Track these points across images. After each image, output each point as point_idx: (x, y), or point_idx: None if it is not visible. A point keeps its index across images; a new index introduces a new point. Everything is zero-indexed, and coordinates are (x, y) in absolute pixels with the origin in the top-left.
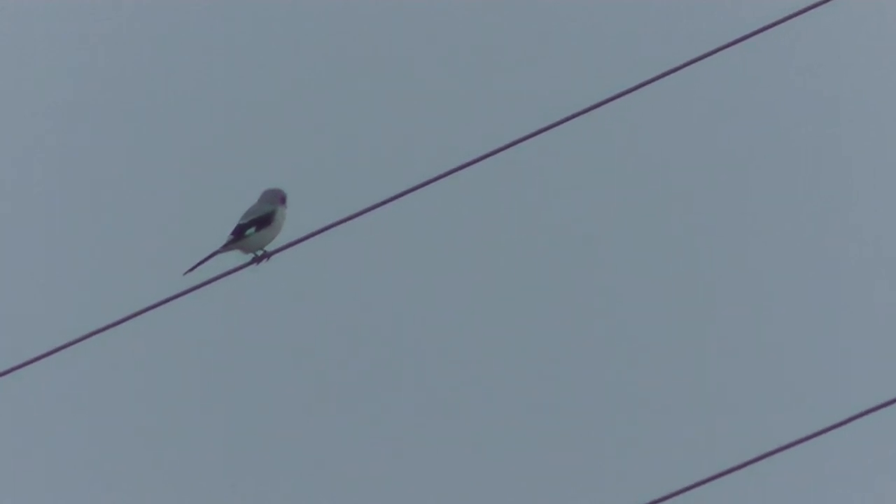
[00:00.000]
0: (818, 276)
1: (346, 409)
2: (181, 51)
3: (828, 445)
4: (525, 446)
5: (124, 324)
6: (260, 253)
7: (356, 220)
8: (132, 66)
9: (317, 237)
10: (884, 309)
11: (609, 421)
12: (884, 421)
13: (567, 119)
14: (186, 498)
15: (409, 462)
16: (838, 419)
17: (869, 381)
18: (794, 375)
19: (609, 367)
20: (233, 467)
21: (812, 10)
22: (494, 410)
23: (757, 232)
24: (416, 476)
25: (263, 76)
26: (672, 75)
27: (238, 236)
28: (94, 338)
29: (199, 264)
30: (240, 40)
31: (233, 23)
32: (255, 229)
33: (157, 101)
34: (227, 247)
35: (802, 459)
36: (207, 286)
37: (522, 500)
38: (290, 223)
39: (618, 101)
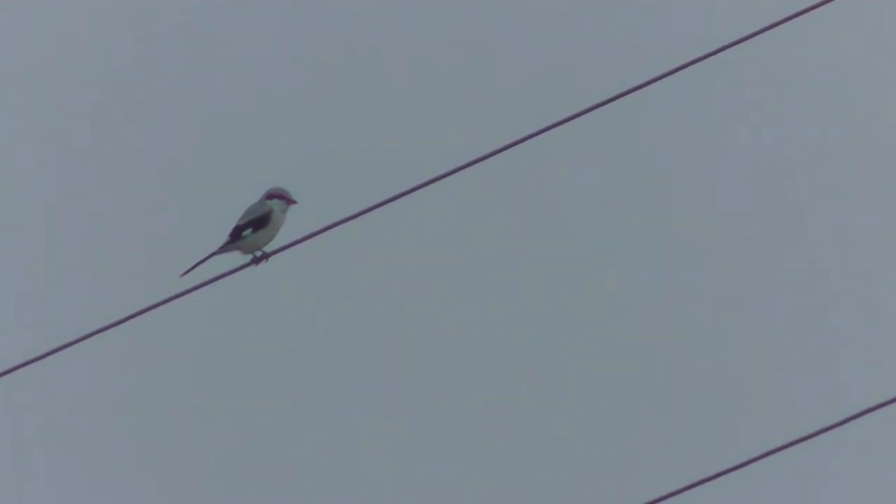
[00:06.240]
0: (819, 276)
1: (346, 410)
2: (179, 49)
3: (828, 445)
4: (525, 446)
5: (123, 324)
6: (259, 254)
7: (356, 220)
8: (130, 65)
9: (316, 238)
10: (884, 309)
11: (609, 420)
12: (884, 421)
13: (567, 119)
14: (185, 498)
15: (409, 461)
16: (838, 419)
17: (869, 381)
18: (795, 375)
19: (610, 367)
20: (232, 467)
21: (811, 11)
22: (495, 410)
23: (758, 231)
24: (416, 476)
25: (262, 76)
26: (671, 76)
27: (235, 238)
28: (92, 339)
29: (195, 266)
30: (239, 39)
31: (232, 22)
32: (251, 230)
33: (156, 101)
34: (224, 248)
35: (802, 459)
36: (206, 287)
37: (522, 500)
38: (289, 224)
39: (617, 101)
